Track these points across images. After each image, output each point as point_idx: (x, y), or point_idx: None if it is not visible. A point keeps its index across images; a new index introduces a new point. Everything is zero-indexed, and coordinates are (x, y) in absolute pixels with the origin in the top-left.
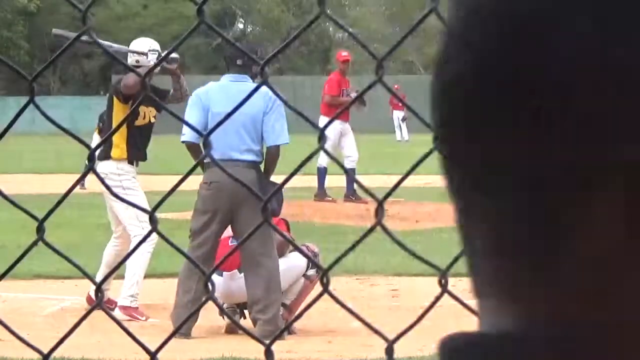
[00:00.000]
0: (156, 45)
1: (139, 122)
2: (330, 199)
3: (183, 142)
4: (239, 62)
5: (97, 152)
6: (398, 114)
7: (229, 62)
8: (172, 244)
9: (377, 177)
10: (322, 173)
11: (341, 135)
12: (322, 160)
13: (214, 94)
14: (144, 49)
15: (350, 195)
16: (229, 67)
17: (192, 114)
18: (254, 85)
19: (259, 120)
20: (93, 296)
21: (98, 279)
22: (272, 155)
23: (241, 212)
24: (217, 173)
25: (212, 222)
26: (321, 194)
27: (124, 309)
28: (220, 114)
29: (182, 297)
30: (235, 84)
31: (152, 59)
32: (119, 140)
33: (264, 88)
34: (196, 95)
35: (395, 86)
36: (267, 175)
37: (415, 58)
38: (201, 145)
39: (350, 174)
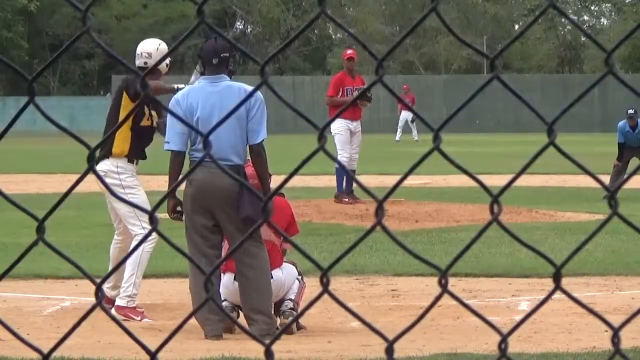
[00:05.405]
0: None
1: (144, 122)
2: (347, 200)
3: (168, 150)
4: (214, 61)
5: (97, 152)
6: (407, 115)
7: (205, 61)
8: (172, 244)
9: (376, 177)
10: (339, 173)
11: (351, 134)
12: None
13: (194, 99)
14: (154, 48)
15: (345, 196)
16: (204, 67)
17: (174, 121)
18: (233, 83)
19: (243, 118)
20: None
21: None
22: (257, 152)
23: (221, 213)
24: (199, 173)
25: (197, 220)
26: (340, 195)
27: (120, 309)
28: (205, 119)
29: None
30: (214, 85)
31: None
32: (123, 138)
33: (244, 88)
34: (175, 101)
35: (405, 86)
36: (263, 176)
37: (415, 58)
38: (187, 152)
39: (350, 174)
